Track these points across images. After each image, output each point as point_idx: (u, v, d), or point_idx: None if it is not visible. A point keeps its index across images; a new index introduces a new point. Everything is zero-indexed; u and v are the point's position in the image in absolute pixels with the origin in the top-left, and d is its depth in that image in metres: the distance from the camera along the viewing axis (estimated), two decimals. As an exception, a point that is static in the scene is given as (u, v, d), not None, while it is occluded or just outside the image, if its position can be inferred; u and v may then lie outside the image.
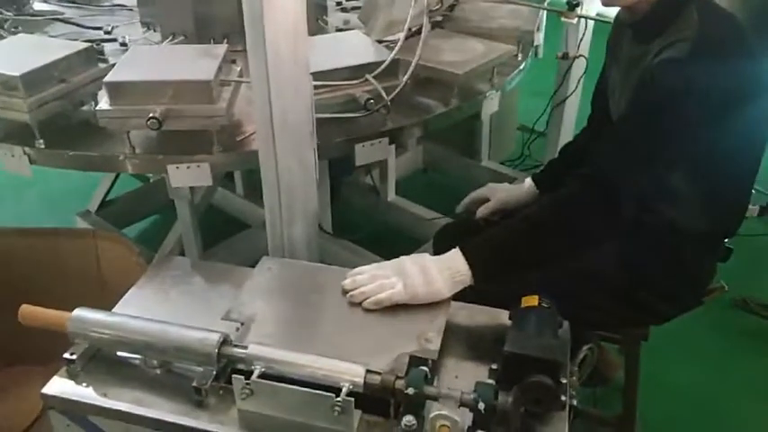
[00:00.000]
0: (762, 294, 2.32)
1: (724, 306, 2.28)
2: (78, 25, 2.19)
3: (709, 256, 1.41)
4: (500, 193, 1.63)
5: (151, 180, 2.75)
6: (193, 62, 1.52)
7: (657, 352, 1.70)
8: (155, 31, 2.11)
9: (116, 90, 1.40)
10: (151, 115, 1.35)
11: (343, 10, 2.43)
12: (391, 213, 2.59)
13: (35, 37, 1.86)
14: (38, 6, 2.34)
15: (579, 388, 1.09)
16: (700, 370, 2.09)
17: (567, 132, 2.54)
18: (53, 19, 2.23)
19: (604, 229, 1.23)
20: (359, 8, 2.33)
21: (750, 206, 1.71)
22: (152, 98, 1.39)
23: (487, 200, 1.63)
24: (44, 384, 1.59)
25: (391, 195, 2.59)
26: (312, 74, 1.23)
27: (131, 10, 2.35)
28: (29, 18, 2.18)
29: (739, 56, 1.21)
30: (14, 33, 1.87)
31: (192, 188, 1.96)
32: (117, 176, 2.52)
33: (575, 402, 1.01)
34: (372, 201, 2.62)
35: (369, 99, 1.50)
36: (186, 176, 1.46)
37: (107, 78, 1.42)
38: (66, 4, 2.38)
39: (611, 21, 1.50)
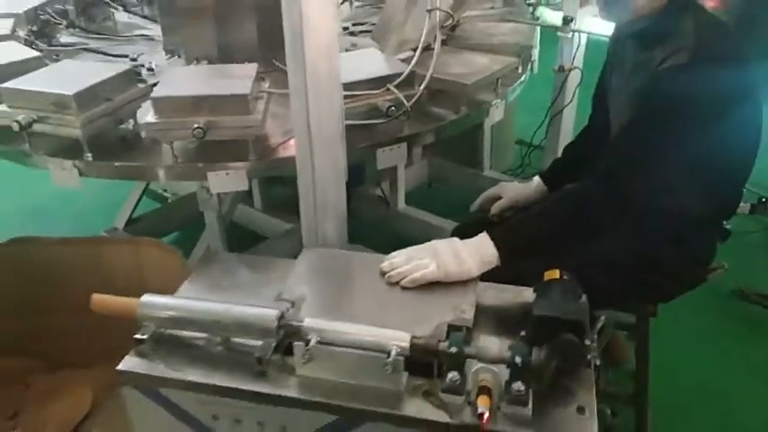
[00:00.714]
0: (756, 287, 2.45)
1: (723, 297, 2.42)
2: (105, 54, 2.33)
3: (710, 238, 1.54)
4: (511, 192, 1.77)
5: (170, 200, 2.87)
6: (229, 79, 1.66)
7: (663, 337, 1.82)
8: (179, 57, 2.24)
9: (162, 105, 1.53)
10: (196, 126, 1.48)
11: (351, 34, 2.58)
12: (401, 222, 2.69)
13: (78, 62, 2.01)
14: (64, 39, 2.48)
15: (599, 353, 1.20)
16: (703, 354, 2.21)
17: (565, 141, 2.66)
18: (81, 49, 2.37)
19: (615, 218, 1.36)
20: (365, 32, 2.49)
21: (741, 204, 1.84)
22: (194, 111, 1.52)
23: (499, 198, 1.77)
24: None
25: (401, 205, 2.71)
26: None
27: (152, 39, 2.49)
28: (60, 48, 2.32)
29: (735, 60, 1.36)
30: (56, 61, 2.00)
31: (219, 200, 2.08)
32: (142, 194, 2.64)
33: (597, 362, 1.13)
34: (383, 211, 2.72)
35: (390, 106, 1.64)
36: (225, 182, 1.58)
37: (153, 94, 1.55)
38: (90, 36, 2.52)
39: (603, 34, 1.65)
